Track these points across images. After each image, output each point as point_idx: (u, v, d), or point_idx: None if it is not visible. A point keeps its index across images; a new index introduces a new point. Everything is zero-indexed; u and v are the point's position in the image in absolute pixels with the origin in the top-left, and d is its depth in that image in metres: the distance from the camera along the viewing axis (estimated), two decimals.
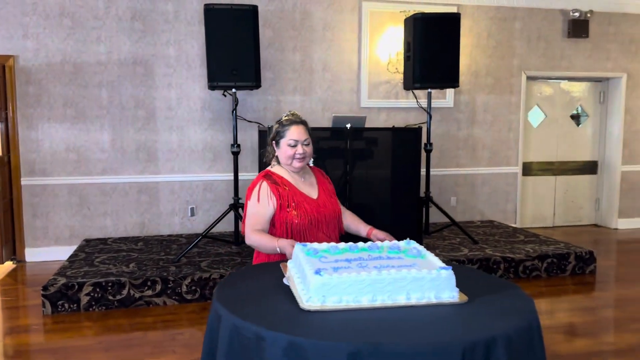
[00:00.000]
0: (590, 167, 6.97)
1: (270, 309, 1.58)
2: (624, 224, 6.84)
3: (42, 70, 5.12)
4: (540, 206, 6.84)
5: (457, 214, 6.27)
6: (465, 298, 1.66)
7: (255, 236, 2.34)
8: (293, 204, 2.41)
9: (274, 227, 2.46)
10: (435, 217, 5.71)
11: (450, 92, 6.10)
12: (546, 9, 6.30)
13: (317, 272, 1.60)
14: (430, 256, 1.82)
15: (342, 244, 1.93)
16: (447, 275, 1.64)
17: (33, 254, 5.25)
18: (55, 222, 5.30)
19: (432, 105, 5.86)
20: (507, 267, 4.75)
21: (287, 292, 1.72)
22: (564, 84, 6.74)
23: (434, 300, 1.62)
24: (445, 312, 1.57)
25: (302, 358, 1.33)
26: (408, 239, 2.02)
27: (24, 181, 5.18)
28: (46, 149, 5.21)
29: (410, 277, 1.60)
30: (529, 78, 6.45)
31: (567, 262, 4.89)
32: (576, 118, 6.89)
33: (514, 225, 6.44)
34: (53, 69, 5.15)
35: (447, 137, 6.19)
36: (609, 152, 6.87)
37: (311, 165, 2.74)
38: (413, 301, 1.61)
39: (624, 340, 3.55)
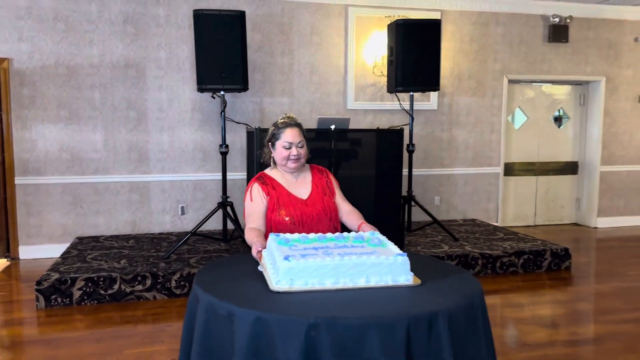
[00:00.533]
0: (570, 168, 7.18)
1: (242, 291, 1.76)
2: (603, 222, 7.05)
3: (37, 73, 5.28)
4: (521, 205, 7.05)
5: (440, 212, 6.47)
6: (418, 281, 1.85)
7: (247, 234, 2.47)
8: (280, 206, 2.52)
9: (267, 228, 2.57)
10: (418, 215, 5.89)
11: (434, 95, 6.29)
12: (527, 14, 6.51)
13: (286, 258, 1.77)
14: (390, 245, 2.00)
15: (312, 235, 2.11)
16: (403, 260, 1.82)
17: (27, 252, 5.40)
18: (48, 220, 5.45)
19: (417, 108, 6.07)
20: (485, 263, 4.94)
21: (260, 277, 1.90)
22: (545, 87, 6.95)
23: (390, 283, 1.80)
24: (398, 292, 1.75)
25: (267, 331, 1.51)
26: (373, 230, 2.19)
27: (18, 180, 5.33)
28: (40, 149, 5.36)
29: (369, 263, 1.78)
30: (511, 81, 6.66)
31: (543, 259, 5.09)
32: (557, 120, 7.10)
33: (495, 223, 6.64)
34: (47, 72, 5.31)
35: (431, 139, 6.39)
36: (589, 153, 7.09)
37: (311, 163, 2.78)
38: (372, 284, 1.79)
39: (591, 331, 3.75)
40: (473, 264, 4.92)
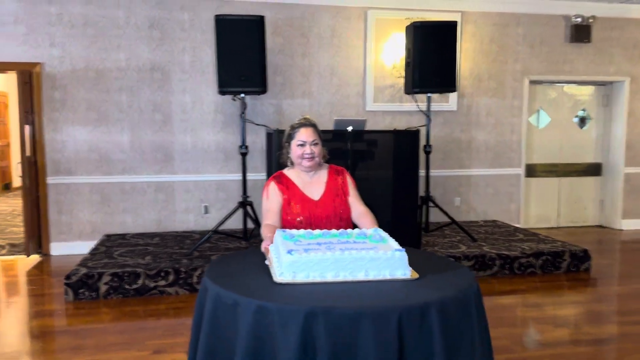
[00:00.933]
0: (594, 169, 7.11)
1: (248, 282, 1.88)
2: (628, 224, 6.96)
3: (67, 77, 5.52)
4: (544, 207, 7.01)
5: (460, 214, 6.49)
6: (416, 275, 1.94)
7: (262, 230, 2.56)
8: (292, 205, 2.61)
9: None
10: (438, 216, 5.93)
11: (453, 96, 6.32)
12: (548, 15, 6.48)
13: (289, 252, 1.88)
14: (391, 241, 2.09)
15: (317, 231, 2.21)
16: (400, 256, 1.91)
17: (58, 248, 5.64)
18: (78, 218, 5.69)
19: (436, 109, 6.12)
20: (502, 263, 4.96)
21: (266, 270, 2.02)
22: (568, 88, 6.90)
23: (388, 277, 1.89)
24: (394, 285, 1.84)
25: (268, 319, 1.62)
26: (376, 227, 2.28)
27: (50, 180, 5.58)
28: (70, 150, 5.60)
29: (368, 257, 1.88)
30: (532, 82, 6.64)
31: (561, 260, 5.08)
32: (580, 121, 7.04)
33: (517, 225, 6.62)
34: (77, 75, 5.54)
35: (451, 139, 6.42)
36: (612, 154, 7.01)
37: (329, 163, 2.82)
38: (370, 277, 1.88)
39: (605, 331, 3.75)
40: (490, 264, 4.95)
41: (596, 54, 6.66)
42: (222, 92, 4.86)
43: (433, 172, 6.25)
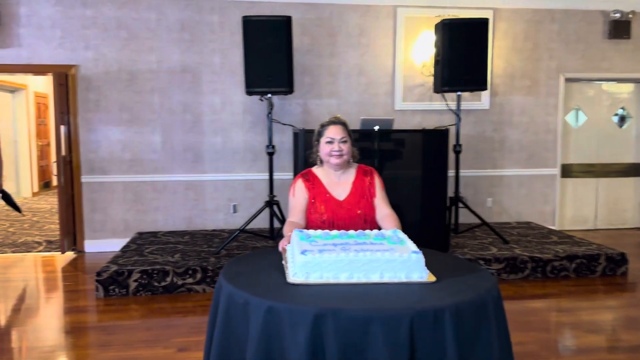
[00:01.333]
0: (634, 170, 6.85)
1: (261, 282, 1.88)
2: None
3: (101, 78, 5.65)
4: (581, 208, 6.80)
5: (492, 215, 6.36)
6: (433, 278, 1.89)
7: (285, 227, 2.56)
8: (317, 204, 2.60)
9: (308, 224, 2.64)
10: (469, 217, 5.83)
11: (485, 94, 6.20)
12: (584, 11, 6.28)
13: (303, 252, 1.87)
14: (409, 243, 2.05)
15: (334, 231, 2.19)
16: (417, 258, 1.87)
17: (92, 245, 5.79)
18: (111, 216, 5.82)
19: (467, 108, 6.01)
20: (534, 266, 4.83)
21: (281, 270, 2.01)
22: (606, 85, 6.67)
23: (404, 280, 1.85)
24: (409, 288, 1.80)
25: (278, 318, 1.61)
26: (395, 229, 2.25)
27: (84, 179, 5.73)
28: (104, 149, 5.74)
29: (383, 259, 1.85)
30: (568, 80, 6.44)
31: (597, 264, 4.91)
32: (619, 120, 6.79)
33: (552, 227, 6.45)
34: (110, 77, 5.67)
35: (483, 139, 6.29)
36: None
37: (359, 164, 2.78)
38: (385, 279, 1.85)
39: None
40: (522, 267, 4.82)
41: (636, 51, 6.42)
42: (249, 92, 4.89)
43: (464, 172, 6.15)
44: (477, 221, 5.65)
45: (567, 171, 6.68)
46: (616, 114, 6.78)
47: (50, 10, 5.51)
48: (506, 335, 1.87)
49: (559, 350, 3.40)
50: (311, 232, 2.17)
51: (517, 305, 4.15)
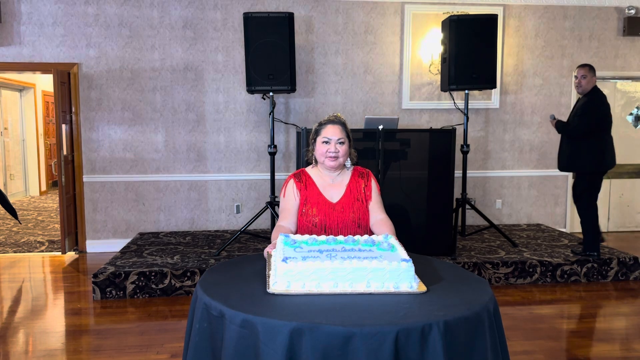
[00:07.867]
0: None
1: (238, 292, 1.75)
2: None
3: (103, 77, 5.59)
4: None
5: (502, 216, 6.19)
6: (424, 288, 1.76)
7: (273, 231, 2.43)
8: (308, 207, 2.46)
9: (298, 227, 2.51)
10: (478, 219, 5.68)
11: (495, 92, 6.03)
12: (598, 7, 6.08)
13: (284, 259, 1.75)
14: (400, 250, 1.92)
15: (322, 237, 2.07)
16: (407, 267, 1.73)
17: (93, 246, 5.73)
18: (113, 216, 5.76)
19: (477, 107, 5.86)
20: (543, 270, 4.67)
21: (264, 278, 1.89)
22: (620, 84, 6.47)
23: (392, 290, 1.72)
24: (396, 300, 1.66)
25: (253, 333, 1.49)
26: (386, 234, 2.12)
27: (86, 178, 5.67)
28: (106, 148, 5.67)
29: (370, 268, 1.72)
30: None
31: (608, 268, 4.74)
32: (635, 119, 6.58)
33: (562, 229, 6.26)
34: (112, 75, 5.60)
35: (492, 139, 6.13)
36: None
37: (355, 165, 2.64)
38: (372, 289, 1.72)
39: None
40: (531, 271, 4.67)
41: None
42: (250, 90, 4.78)
43: (473, 173, 6.00)
44: (486, 223, 5.50)
45: None
46: (631, 114, 6.57)
47: (52, 8, 5.45)
48: (504, 351, 1.73)
49: (567, 359, 3.25)
50: (297, 237, 2.05)
51: (525, 312, 4.00)
